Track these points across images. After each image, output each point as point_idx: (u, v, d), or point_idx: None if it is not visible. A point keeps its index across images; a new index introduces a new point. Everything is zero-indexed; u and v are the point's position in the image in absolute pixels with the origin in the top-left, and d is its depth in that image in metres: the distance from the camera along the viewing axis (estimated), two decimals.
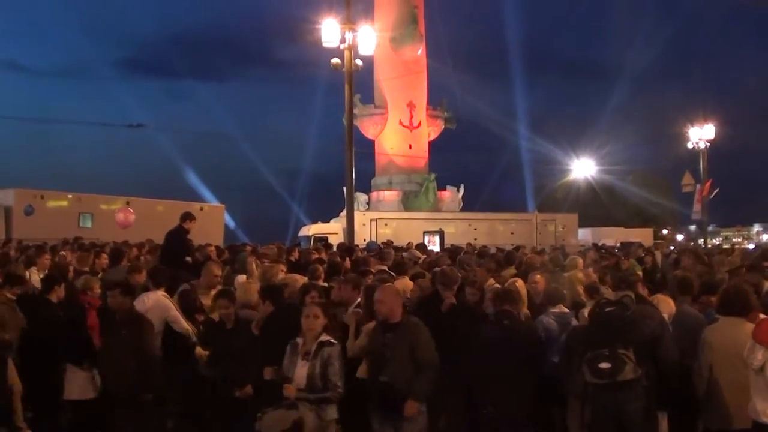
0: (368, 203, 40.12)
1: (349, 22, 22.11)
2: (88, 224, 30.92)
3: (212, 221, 34.26)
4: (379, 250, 14.65)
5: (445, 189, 42.30)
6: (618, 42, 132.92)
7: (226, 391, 7.25)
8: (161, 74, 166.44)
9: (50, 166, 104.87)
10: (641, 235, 39.88)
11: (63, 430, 8.35)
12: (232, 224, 46.11)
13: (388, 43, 38.47)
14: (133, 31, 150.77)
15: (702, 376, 6.34)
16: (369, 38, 22.49)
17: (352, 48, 22.03)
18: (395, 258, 13.21)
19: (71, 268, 11.41)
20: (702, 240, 43.78)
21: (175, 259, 11.59)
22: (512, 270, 11.61)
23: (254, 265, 11.19)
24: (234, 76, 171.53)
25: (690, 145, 38.90)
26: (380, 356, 6.65)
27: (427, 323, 6.93)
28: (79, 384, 7.94)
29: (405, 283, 9.38)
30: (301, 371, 6.35)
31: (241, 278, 10.46)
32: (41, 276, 10.78)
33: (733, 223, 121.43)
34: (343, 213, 27.22)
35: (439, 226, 35.72)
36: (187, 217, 12.72)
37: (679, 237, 69.77)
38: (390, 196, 40.48)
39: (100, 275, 10.72)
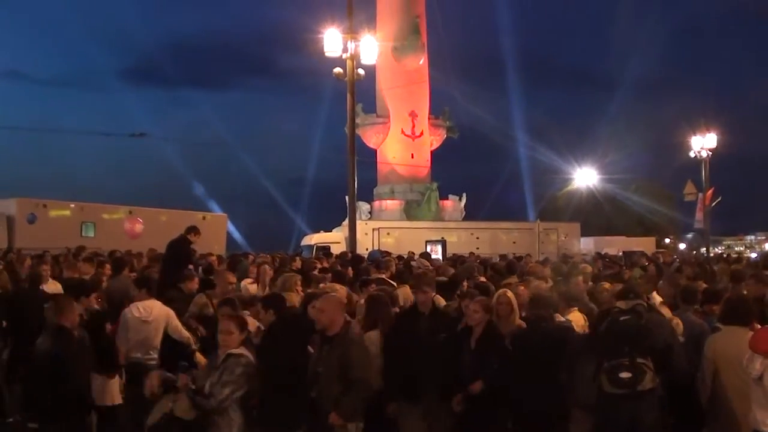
0: (370, 212, 40.14)
1: (352, 31, 22.21)
2: (91, 233, 30.92)
3: (215, 230, 34.27)
4: (378, 260, 14.65)
5: (447, 198, 42.34)
6: (620, 51, 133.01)
7: None
8: (164, 83, 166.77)
9: (52, 175, 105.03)
10: (643, 244, 39.82)
11: None
12: (237, 236, 46.25)
13: (391, 53, 38.60)
14: (135, 40, 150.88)
15: (705, 385, 6.33)
16: (371, 48, 22.59)
17: (355, 57, 22.12)
18: (398, 267, 13.22)
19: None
20: (704, 249, 43.71)
21: (177, 270, 11.53)
22: (514, 279, 11.59)
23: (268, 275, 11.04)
24: (237, 86, 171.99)
25: (692, 154, 38.91)
26: (311, 370, 6.43)
27: (406, 330, 6.90)
28: (105, 390, 7.96)
29: (405, 292, 9.38)
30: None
31: (247, 282, 10.51)
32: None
33: (736, 231, 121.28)
34: (346, 222, 27.24)
35: (441, 235, 35.71)
36: (192, 230, 12.66)
37: (682, 246, 69.71)
38: (392, 205, 40.50)
39: (105, 285, 10.73)
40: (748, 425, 5.68)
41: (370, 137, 41.22)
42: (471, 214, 43.13)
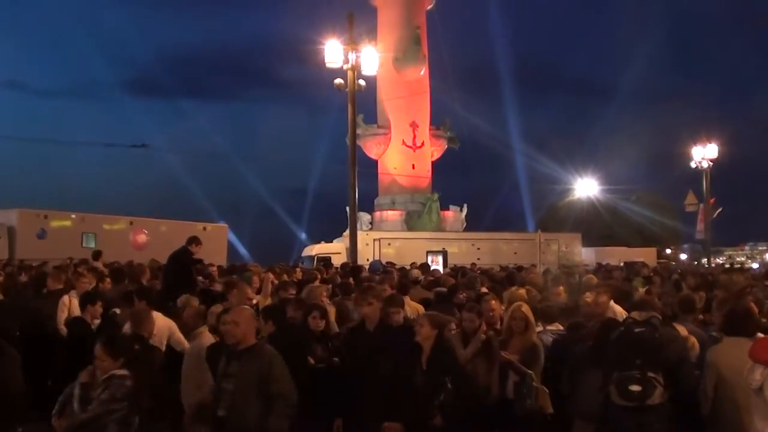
0: (371, 223, 40.14)
1: (352, 42, 22.25)
2: (92, 244, 30.92)
3: (215, 241, 34.29)
4: (383, 271, 14.64)
5: (448, 209, 42.33)
6: (621, 62, 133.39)
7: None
8: (165, 94, 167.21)
9: (53, 185, 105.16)
10: (644, 255, 39.79)
11: None
12: (240, 246, 46.23)
13: (392, 64, 38.72)
14: (137, 51, 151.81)
15: (706, 396, 6.30)
16: (372, 59, 22.63)
17: (355, 68, 22.16)
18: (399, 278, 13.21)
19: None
20: (705, 259, 43.66)
21: (177, 281, 11.53)
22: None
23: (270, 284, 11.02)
24: (238, 97, 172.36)
25: (693, 165, 38.91)
26: (218, 387, 6.14)
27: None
28: None
29: (407, 303, 9.38)
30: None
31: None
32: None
33: (737, 242, 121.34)
34: (347, 233, 27.24)
35: (442, 245, 35.70)
36: (194, 241, 12.66)
37: (683, 256, 69.65)
38: (393, 215, 40.49)
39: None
40: None
41: (371, 148, 41.27)
42: (472, 224, 43.19)
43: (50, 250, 26.09)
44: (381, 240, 34.52)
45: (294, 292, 10.26)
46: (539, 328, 8.00)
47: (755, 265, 53.71)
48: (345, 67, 22.14)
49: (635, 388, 6.13)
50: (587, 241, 43.31)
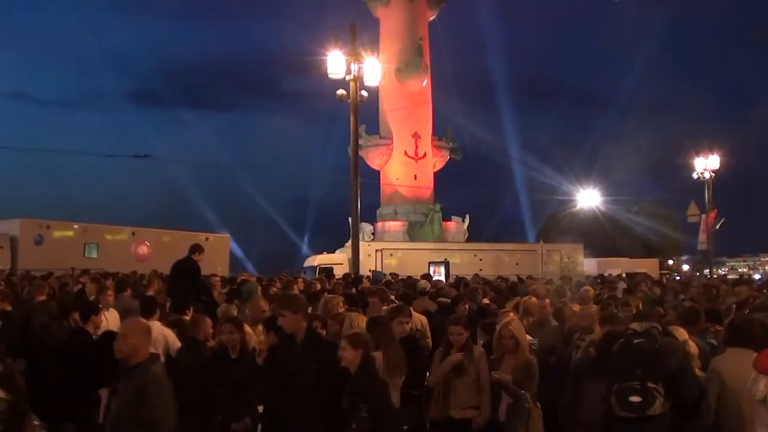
0: (373, 233, 40.08)
1: (355, 53, 22.31)
2: (94, 254, 31.03)
3: (218, 251, 34.34)
4: (386, 281, 14.66)
5: (450, 219, 42.29)
6: (623, 73, 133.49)
7: (225, 425, 6.98)
8: (167, 105, 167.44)
9: (56, 195, 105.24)
10: (647, 266, 39.76)
11: None
12: (243, 257, 46.26)
13: (394, 75, 38.77)
14: (139, 62, 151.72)
15: (709, 407, 6.29)
16: (374, 70, 22.70)
17: (358, 79, 22.22)
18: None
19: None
20: (708, 270, 43.60)
21: (183, 290, 11.52)
22: (517, 300, 11.59)
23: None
24: (240, 107, 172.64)
25: (695, 176, 38.91)
26: (107, 405, 5.69)
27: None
28: None
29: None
30: None
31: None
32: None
33: (739, 252, 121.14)
34: (349, 243, 27.25)
35: (444, 256, 35.70)
36: (197, 249, 12.70)
37: (685, 267, 69.52)
38: (395, 226, 40.46)
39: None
40: None
41: (373, 158, 41.30)
42: (474, 235, 43.16)
43: (52, 260, 26.09)
44: (383, 251, 34.51)
45: (266, 305, 10.12)
46: None
47: (757, 276, 53.54)
48: (347, 77, 22.20)
49: (635, 399, 6.13)
50: (589, 252, 43.28)
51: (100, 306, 9.81)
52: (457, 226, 42.44)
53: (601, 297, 12.62)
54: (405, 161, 41.43)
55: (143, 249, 28.86)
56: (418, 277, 16.67)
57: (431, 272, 28.97)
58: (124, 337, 5.60)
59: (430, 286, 14.27)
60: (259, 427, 7.02)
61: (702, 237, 40.18)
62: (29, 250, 28.99)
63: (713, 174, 38.63)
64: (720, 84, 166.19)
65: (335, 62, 22.09)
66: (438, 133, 43.17)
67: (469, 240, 41.79)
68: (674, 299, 13.83)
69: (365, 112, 30.48)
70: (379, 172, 42.04)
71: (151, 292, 11.73)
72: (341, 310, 9.19)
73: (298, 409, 6.30)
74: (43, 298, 11.17)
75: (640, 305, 10.85)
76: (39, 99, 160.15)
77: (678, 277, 41.42)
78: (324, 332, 8.01)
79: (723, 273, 77.75)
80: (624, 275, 28.21)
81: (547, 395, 7.36)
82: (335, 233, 45.91)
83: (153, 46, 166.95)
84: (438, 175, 43.51)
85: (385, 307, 9.08)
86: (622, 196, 57.14)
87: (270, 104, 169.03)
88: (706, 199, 39.26)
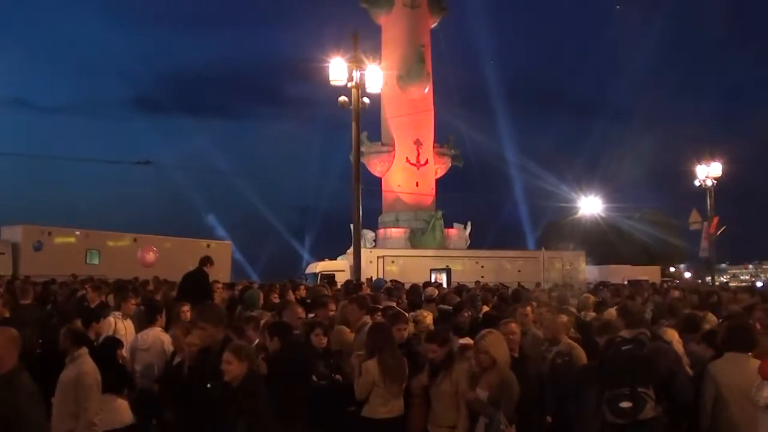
0: (375, 240, 40.08)
1: (357, 60, 22.34)
2: (96, 261, 31.06)
3: (219, 258, 34.28)
4: (390, 288, 14.62)
5: (452, 226, 42.25)
6: (625, 81, 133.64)
7: None
8: (168, 111, 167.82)
9: (57, 202, 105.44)
10: (648, 273, 39.79)
11: None
12: (246, 265, 46.26)
13: (396, 82, 38.81)
14: (141, 68, 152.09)
15: (705, 412, 6.30)
16: (376, 77, 22.70)
17: (360, 86, 22.23)
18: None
19: None
20: (709, 277, 43.57)
21: (198, 300, 11.47)
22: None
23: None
24: (242, 114, 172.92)
25: (697, 183, 38.91)
26: None
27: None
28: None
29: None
30: None
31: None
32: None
33: (741, 260, 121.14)
34: (350, 250, 27.23)
35: (446, 263, 35.71)
36: (207, 261, 12.89)
37: (687, 275, 69.47)
38: (397, 233, 40.44)
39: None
40: None
41: (375, 165, 41.30)
42: (476, 242, 43.14)
43: (54, 266, 26.12)
44: (385, 257, 34.53)
45: (302, 311, 10.01)
46: None
47: (759, 284, 53.52)
48: (349, 84, 22.21)
49: (626, 404, 6.20)
50: (591, 260, 43.26)
51: (119, 313, 9.85)
52: (458, 233, 42.41)
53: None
54: (407, 168, 41.41)
55: (150, 255, 28.74)
56: (420, 284, 16.66)
57: (433, 279, 28.96)
58: None
59: (437, 293, 14.25)
60: None
61: (704, 244, 40.15)
62: (31, 256, 29.03)
63: (715, 181, 38.63)
64: (722, 91, 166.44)
65: (337, 69, 22.12)
66: (440, 140, 43.17)
67: (470, 247, 41.77)
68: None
69: (367, 119, 30.47)
70: (380, 179, 42.03)
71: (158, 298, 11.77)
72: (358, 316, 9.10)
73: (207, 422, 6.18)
74: (27, 301, 11.19)
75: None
76: (41, 106, 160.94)
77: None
78: (324, 340, 8.01)
79: (725, 280, 77.71)
80: (626, 282, 28.23)
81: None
82: (337, 240, 45.99)
83: (155, 54, 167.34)
84: (440, 182, 43.53)
85: (366, 317, 8.96)
86: (624, 204, 57.16)
87: (271, 111, 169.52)
88: (708, 207, 39.25)
